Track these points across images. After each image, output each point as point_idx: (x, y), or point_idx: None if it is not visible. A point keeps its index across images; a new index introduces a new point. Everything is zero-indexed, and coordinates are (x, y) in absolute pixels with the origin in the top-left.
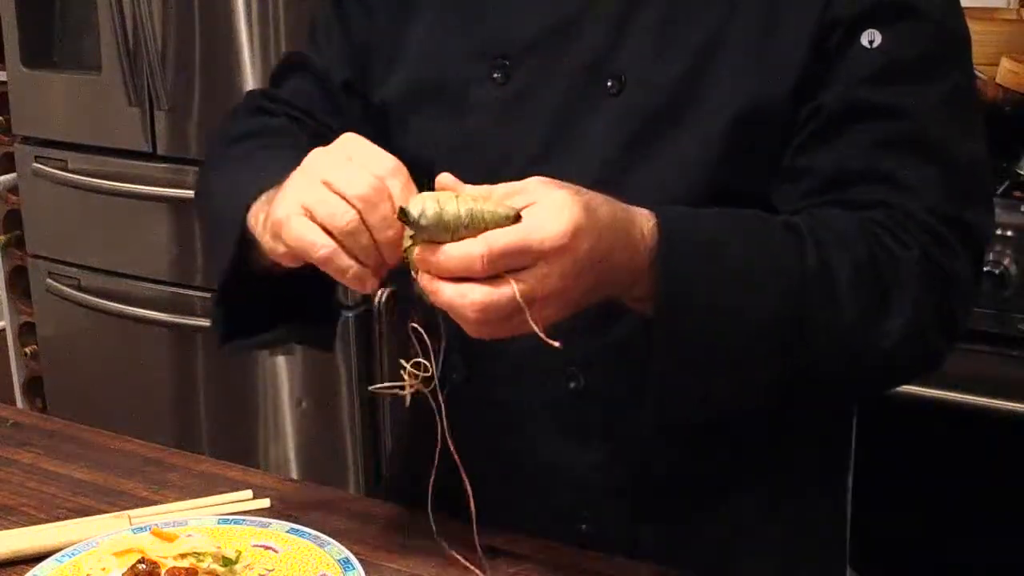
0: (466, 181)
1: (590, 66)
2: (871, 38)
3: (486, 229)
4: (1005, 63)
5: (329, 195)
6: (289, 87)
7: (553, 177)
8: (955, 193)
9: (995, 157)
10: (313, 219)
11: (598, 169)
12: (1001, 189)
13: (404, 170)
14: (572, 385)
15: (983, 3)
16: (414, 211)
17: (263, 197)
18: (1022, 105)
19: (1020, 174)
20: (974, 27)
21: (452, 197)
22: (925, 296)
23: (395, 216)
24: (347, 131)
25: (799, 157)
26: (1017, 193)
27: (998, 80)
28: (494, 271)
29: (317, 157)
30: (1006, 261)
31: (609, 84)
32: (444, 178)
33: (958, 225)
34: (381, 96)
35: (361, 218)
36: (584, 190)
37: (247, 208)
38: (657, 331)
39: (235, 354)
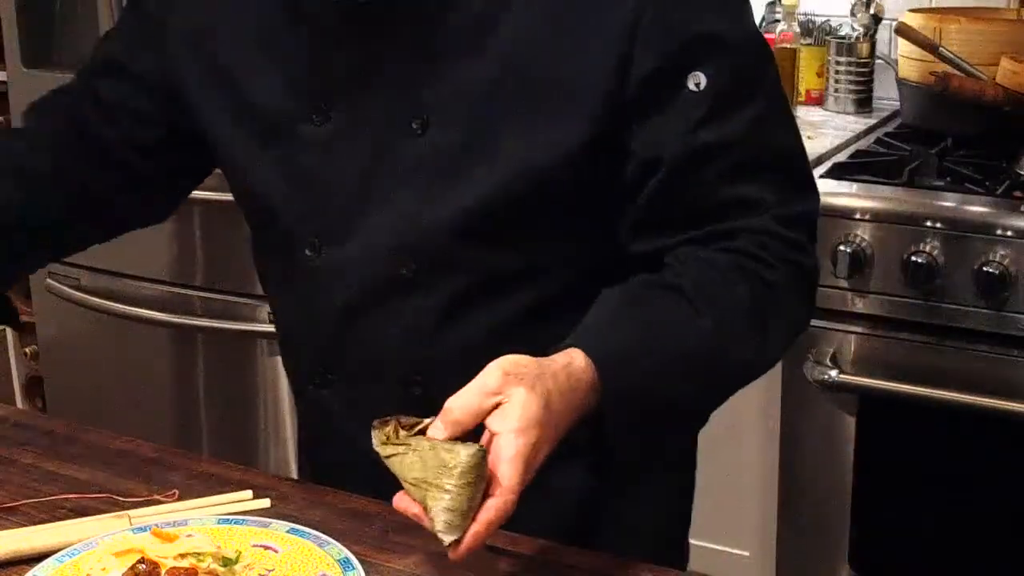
0: (302, 213)
1: (397, 106)
2: (696, 80)
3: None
4: (1005, 63)
5: None
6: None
7: (370, 218)
8: (792, 192)
9: (995, 158)
10: None
11: (408, 208)
12: (1001, 189)
13: None
14: (416, 392)
15: (983, 3)
16: (452, 538)
17: None
18: (1022, 105)
19: (1020, 174)
20: (974, 27)
21: (469, 497)
22: (796, 303)
23: None
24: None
25: (654, 209)
26: (1017, 193)
27: (998, 80)
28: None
29: None
30: (1006, 262)
31: (414, 125)
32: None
33: (800, 220)
34: (204, 124)
35: None
36: (537, 374)
37: None
38: (605, 437)
39: None
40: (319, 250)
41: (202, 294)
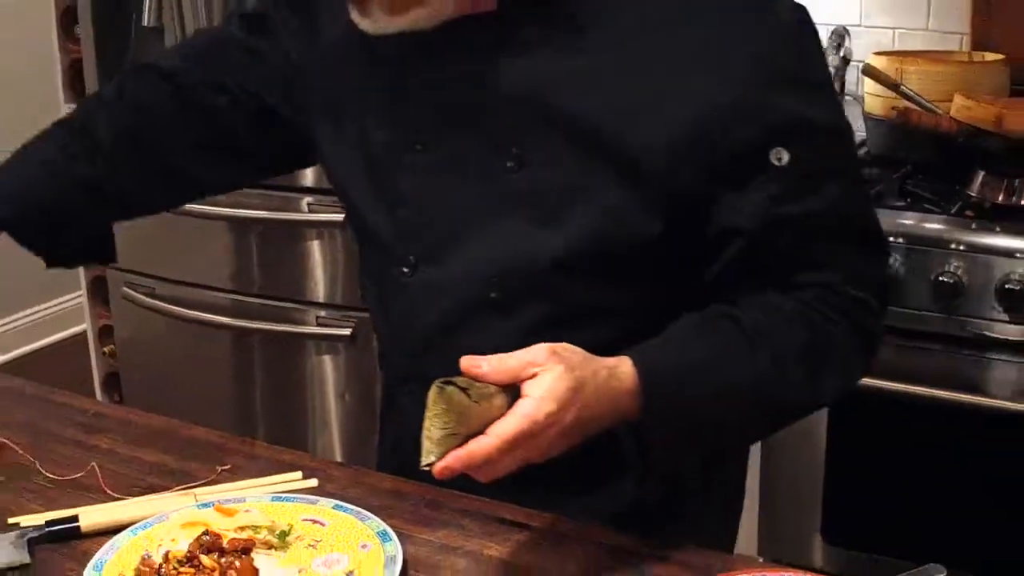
0: (400, 234)
1: (495, 142)
2: (780, 156)
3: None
4: (958, 99)
5: None
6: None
7: (465, 244)
8: (863, 257)
9: (949, 181)
10: None
11: (504, 238)
12: (955, 209)
13: None
14: None
15: (939, 47)
16: (427, 461)
17: None
18: (973, 136)
19: (971, 196)
20: (932, 68)
21: (440, 426)
22: (854, 357)
23: None
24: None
25: (731, 271)
26: (968, 213)
27: (952, 114)
28: (510, 457)
29: None
30: (959, 272)
31: (509, 164)
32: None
33: (869, 282)
34: (322, 148)
35: None
36: (581, 363)
37: None
38: (646, 450)
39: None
40: (415, 269)
41: (260, 300)
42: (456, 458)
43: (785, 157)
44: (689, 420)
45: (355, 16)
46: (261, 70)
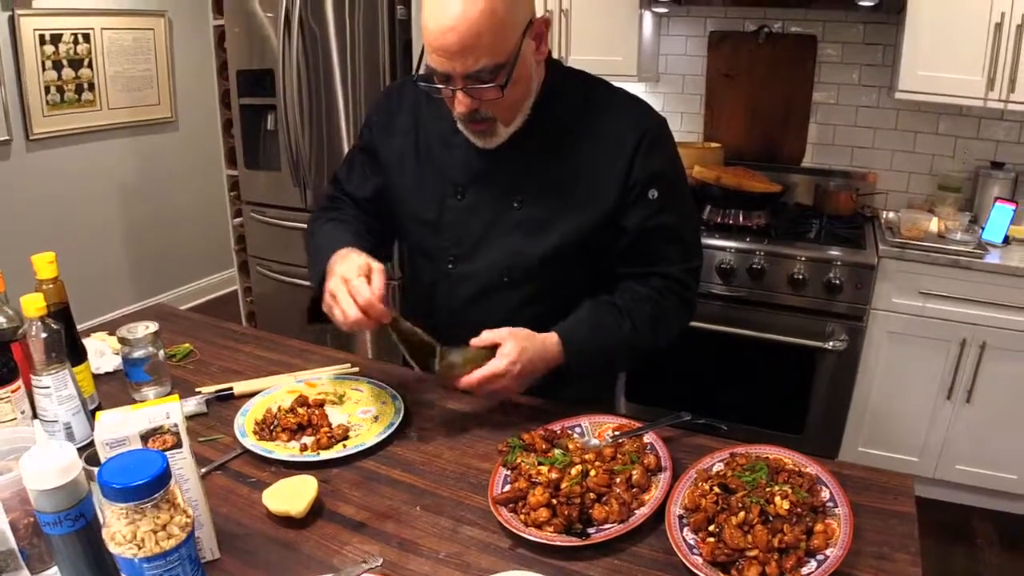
0: (447, 244)
1: (504, 193)
2: (653, 193)
3: (477, 364)
4: (696, 167)
5: (347, 298)
6: (348, 189)
7: (487, 250)
8: (688, 255)
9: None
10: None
11: (511, 247)
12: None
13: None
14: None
15: (687, 140)
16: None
17: (335, 256)
18: (704, 187)
19: (702, 219)
20: (683, 151)
21: (459, 357)
22: (678, 321)
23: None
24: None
25: (623, 252)
26: (702, 228)
27: (694, 175)
28: (492, 385)
29: (340, 270)
30: (731, 260)
31: (515, 205)
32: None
33: (691, 271)
34: (399, 209)
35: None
36: (526, 338)
37: (327, 261)
38: (568, 370)
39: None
40: (456, 264)
41: None
42: (467, 383)
43: (655, 193)
44: (588, 357)
45: (472, 138)
46: (378, 174)
